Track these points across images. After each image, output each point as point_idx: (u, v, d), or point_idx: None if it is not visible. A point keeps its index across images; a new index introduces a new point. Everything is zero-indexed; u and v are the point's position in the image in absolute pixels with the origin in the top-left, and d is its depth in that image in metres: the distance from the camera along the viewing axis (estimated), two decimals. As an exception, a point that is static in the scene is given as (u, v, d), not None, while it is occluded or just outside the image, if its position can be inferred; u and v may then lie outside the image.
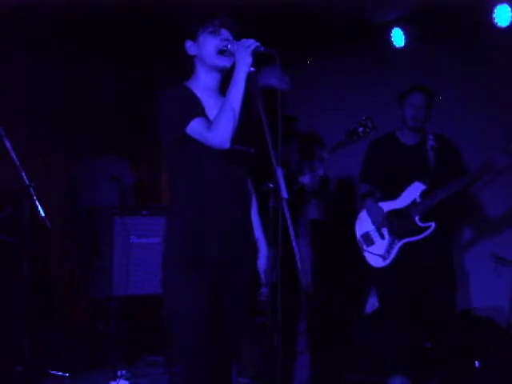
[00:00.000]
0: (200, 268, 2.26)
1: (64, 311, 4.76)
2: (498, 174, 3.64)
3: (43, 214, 3.14)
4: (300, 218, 3.45)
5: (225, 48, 2.30)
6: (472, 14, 4.28)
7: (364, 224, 3.79)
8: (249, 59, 2.21)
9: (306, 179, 3.33)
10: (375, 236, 3.74)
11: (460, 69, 4.57)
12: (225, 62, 2.33)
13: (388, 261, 3.65)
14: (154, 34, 4.62)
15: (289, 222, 2.06)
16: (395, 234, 3.65)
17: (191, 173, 2.30)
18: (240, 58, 2.22)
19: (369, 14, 4.58)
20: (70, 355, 4.19)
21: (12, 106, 4.35)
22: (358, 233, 3.81)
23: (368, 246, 3.75)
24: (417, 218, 3.59)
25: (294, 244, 2.05)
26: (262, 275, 2.49)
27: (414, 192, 3.62)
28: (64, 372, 4.04)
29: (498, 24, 4.29)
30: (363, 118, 3.38)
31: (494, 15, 4.28)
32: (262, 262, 2.50)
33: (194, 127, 2.24)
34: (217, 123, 2.21)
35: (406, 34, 4.68)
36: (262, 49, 2.22)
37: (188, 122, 2.23)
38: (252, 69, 2.22)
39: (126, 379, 3.90)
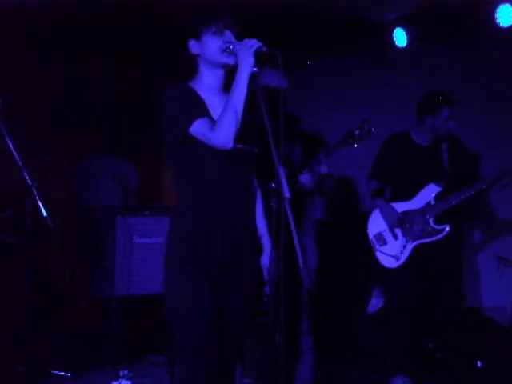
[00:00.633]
0: (201, 268, 2.27)
1: (65, 311, 4.75)
2: None
3: (45, 214, 3.13)
4: (303, 218, 3.45)
5: (228, 49, 2.31)
6: (473, 13, 4.26)
7: (377, 224, 3.78)
8: (251, 59, 2.22)
9: (305, 178, 3.33)
10: (388, 236, 3.73)
11: (460, 69, 4.56)
12: (228, 59, 2.33)
13: (401, 261, 3.65)
14: (154, 33, 4.61)
15: (291, 221, 2.06)
16: (409, 236, 3.64)
17: (193, 173, 2.31)
18: (242, 58, 2.23)
19: (369, 13, 4.57)
20: (71, 355, 4.18)
21: (12, 106, 4.34)
22: (371, 233, 3.80)
23: (381, 245, 3.74)
24: (431, 220, 3.59)
25: (296, 243, 2.05)
26: (265, 273, 2.50)
27: (428, 194, 3.62)
28: (66, 372, 4.03)
29: (500, 24, 4.27)
30: (362, 120, 3.37)
31: (497, 15, 4.27)
32: (265, 259, 2.50)
33: (197, 128, 2.24)
34: (219, 124, 2.22)
35: (407, 33, 4.68)
36: (264, 49, 2.23)
37: (191, 122, 2.24)
38: (254, 69, 2.23)
39: (128, 379, 3.89)
